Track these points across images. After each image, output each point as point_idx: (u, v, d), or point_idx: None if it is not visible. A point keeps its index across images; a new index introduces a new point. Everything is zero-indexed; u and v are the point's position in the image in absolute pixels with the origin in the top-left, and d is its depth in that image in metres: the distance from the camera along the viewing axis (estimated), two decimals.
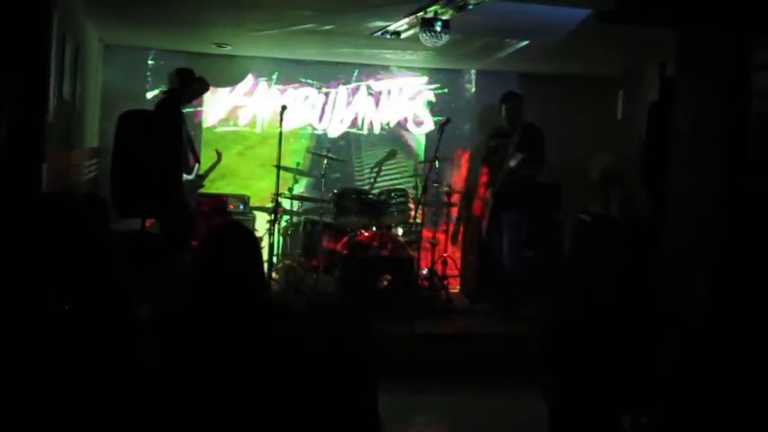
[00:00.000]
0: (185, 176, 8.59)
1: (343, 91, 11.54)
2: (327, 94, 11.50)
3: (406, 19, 7.86)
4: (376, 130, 11.66)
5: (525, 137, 8.94)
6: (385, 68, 11.54)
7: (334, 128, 11.56)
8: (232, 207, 10.33)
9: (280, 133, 9.15)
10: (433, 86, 11.70)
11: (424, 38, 7.58)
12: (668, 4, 5.30)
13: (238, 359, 2.95)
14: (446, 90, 11.76)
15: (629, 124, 10.14)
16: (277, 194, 9.36)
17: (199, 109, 11.06)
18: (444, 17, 7.46)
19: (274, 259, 9.78)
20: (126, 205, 7.84)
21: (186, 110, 9.08)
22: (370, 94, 11.59)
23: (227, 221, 7.35)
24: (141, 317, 2.71)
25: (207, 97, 10.60)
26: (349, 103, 11.57)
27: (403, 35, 8.51)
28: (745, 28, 5.27)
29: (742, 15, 5.19)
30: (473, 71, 11.74)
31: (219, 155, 9.77)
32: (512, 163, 8.75)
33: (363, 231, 9.42)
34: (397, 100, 11.66)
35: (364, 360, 2.58)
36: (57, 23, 6.68)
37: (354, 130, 11.64)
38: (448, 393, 7.51)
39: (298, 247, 10.12)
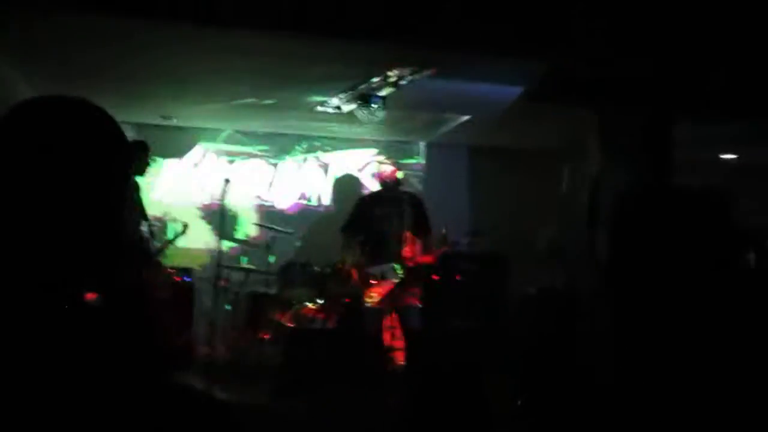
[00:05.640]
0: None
1: (291, 163, 11.57)
2: (275, 166, 11.52)
3: (344, 95, 7.91)
4: (325, 202, 11.65)
5: (416, 205, 8.62)
6: (333, 140, 11.58)
7: (282, 200, 11.56)
8: (177, 279, 10.24)
9: (222, 206, 9.13)
10: (381, 158, 11.73)
11: (361, 114, 7.63)
12: (586, 87, 5.39)
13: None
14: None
15: (574, 197, 10.20)
16: (219, 266, 9.33)
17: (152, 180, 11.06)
18: (380, 93, 7.51)
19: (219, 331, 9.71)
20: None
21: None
22: (319, 165, 11.62)
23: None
24: None
25: (154, 168, 10.62)
26: (297, 175, 11.58)
27: (344, 109, 8.56)
28: (660, 106, 5.35)
29: (658, 94, 5.28)
30: (422, 144, 11.78)
31: (184, 227, 9.69)
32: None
33: (309, 303, 9.37)
34: (346, 171, 11.68)
35: None
36: None
37: (302, 203, 11.63)
38: None
39: (244, 318, 10.04)
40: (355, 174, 11.73)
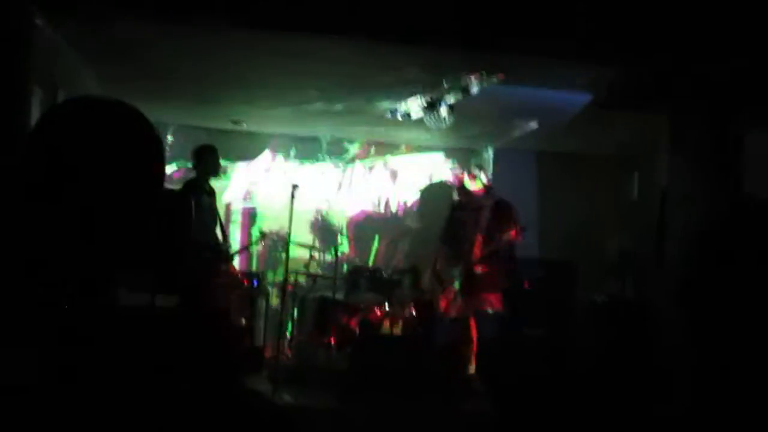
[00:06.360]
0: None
1: (359, 168, 11.60)
2: (344, 171, 11.56)
3: (413, 101, 7.92)
4: (393, 207, 11.67)
5: (500, 211, 8.46)
6: (402, 146, 11.59)
7: (351, 205, 11.59)
8: (246, 283, 10.32)
9: (291, 212, 9.12)
10: (450, 164, 11.72)
11: (428, 121, 7.62)
12: (659, 91, 5.32)
13: None
14: (464, 168, 11.73)
15: (646, 205, 10.10)
16: (287, 271, 9.37)
17: (224, 184, 11.18)
18: (449, 100, 7.51)
19: (288, 335, 9.79)
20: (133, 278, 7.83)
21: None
22: (387, 171, 11.63)
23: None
24: None
25: (226, 172, 10.74)
26: (366, 181, 11.61)
27: (413, 116, 8.57)
28: (734, 111, 5.27)
29: (731, 98, 5.20)
30: (490, 149, 11.74)
31: (262, 236, 9.95)
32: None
33: (376, 309, 9.38)
34: (414, 177, 11.68)
35: None
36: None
37: (370, 208, 11.66)
38: None
39: (312, 323, 10.09)
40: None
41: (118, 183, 1.64)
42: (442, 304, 8.56)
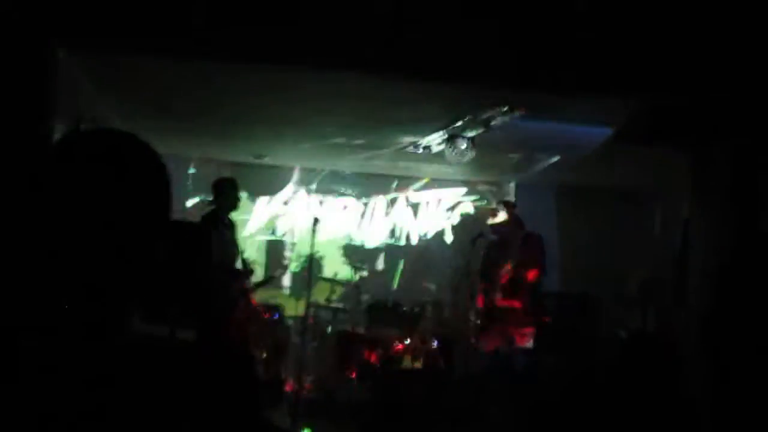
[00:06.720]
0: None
1: (381, 201, 11.62)
2: (365, 205, 11.59)
3: (434, 135, 7.94)
4: (414, 241, 11.67)
5: (527, 245, 8.44)
6: (423, 179, 11.60)
7: (372, 239, 11.60)
8: (267, 316, 10.32)
9: (311, 246, 9.10)
10: (471, 198, 11.71)
11: (449, 154, 7.64)
12: (678, 127, 5.31)
13: None
14: (485, 202, 11.75)
15: (667, 239, 10.05)
16: (308, 305, 9.37)
17: (246, 217, 11.21)
18: (469, 134, 7.53)
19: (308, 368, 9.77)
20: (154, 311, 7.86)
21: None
22: (408, 205, 11.64)
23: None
24: None
25: (248, 205, 10.77)
26: (387, 214, 11.63)
27: (433, 149, 8.59)
28: (755, 147, 5.26)
29: (753, 135, 5.18)
30: (512, 183, 11.73)
31: (281, 273, 10.05)
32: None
33: (397, 342, 9.37)
34: (436, 211, 11.69)
35: None
36: None
37: (392, 241, 11.66)
38: None
39: (333, 356, 10.07)
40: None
41: (123, 210, 1.67)
42: (470, 337, 8.53)
